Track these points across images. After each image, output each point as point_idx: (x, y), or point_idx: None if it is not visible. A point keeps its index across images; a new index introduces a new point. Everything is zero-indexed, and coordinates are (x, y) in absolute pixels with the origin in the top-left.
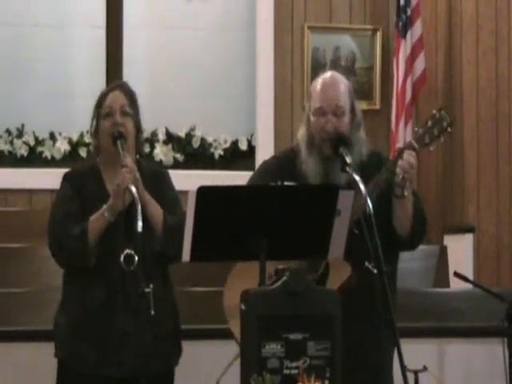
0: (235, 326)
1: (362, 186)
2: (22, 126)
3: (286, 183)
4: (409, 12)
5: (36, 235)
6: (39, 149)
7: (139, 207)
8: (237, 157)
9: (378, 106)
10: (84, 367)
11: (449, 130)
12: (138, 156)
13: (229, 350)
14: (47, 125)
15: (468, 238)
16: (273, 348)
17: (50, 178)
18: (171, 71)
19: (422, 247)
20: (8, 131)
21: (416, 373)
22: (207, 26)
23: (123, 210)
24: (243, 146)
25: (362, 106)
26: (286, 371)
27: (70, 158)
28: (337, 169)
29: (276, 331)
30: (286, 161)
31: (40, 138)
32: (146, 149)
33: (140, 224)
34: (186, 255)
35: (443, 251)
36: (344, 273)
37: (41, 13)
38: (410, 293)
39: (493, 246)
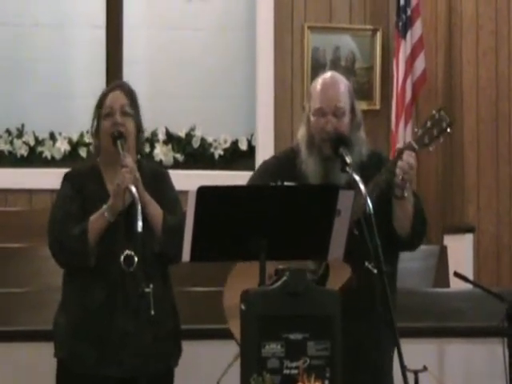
0: (235, 326)
1: (362, 186)
2: (22, 126)
3: (285, 183)
4: (409, 12)
5: (36, 235)
6: (39, 149)
7: (139, 207)
8: (237, 157)
9: (378, 106)
10: (84, 367)
11: (448, 130)
12: (139, 156)
13: (229, 350)
14: (47, 125)
15: (468, 238)
16: (273, 348)
17: (50, 178)
18: (171, 71)
19: (422, 247)
20: (8, 131)
21: (416, 373)
22: (207, 26)
23: (123, 210)
24: (243, 146)
25: (362, 106)
26: (286, 371)
27: (70, 158)
28: (337, 169)
29: (276, 331)
30: (285, 161)
31: (40, 138)
32: (146, 149)
33: (140, 224)
34: (186, 255)
35: (443, 251)
36: (344, 274)
37: (41, 13)
38: (409, 293)
39: (493, 246)
